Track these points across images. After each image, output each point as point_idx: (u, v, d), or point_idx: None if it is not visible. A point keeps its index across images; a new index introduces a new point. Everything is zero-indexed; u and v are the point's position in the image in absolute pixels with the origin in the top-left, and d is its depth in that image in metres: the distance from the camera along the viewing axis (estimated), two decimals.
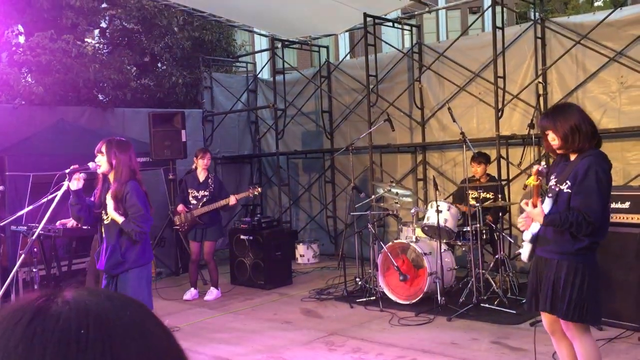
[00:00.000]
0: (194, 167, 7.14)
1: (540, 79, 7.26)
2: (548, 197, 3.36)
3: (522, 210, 3.51)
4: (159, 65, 10.77)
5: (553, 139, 3.36)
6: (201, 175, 7.02)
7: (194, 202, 6.94)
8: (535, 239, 3.48)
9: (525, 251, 3.54)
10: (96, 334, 0.53)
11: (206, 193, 6.92)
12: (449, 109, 6.28)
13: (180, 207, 6.91)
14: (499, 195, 6.52)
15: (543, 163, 3.44)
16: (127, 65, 9.30)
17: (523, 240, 3.59)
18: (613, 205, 4.65)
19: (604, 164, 3.28)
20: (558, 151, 3.41)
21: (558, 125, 3.33)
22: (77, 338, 0.52)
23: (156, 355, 0.56)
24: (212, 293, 6.99)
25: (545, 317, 3.53)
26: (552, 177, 3.45)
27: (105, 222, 4.10)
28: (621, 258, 4.80)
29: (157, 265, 8.18)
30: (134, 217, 4.00)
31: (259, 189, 7.18)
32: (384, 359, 4.65)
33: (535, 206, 3.29)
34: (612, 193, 3.43)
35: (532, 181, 3.29)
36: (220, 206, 6.83)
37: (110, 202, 4.03)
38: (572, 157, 3.40)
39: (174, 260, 8.60)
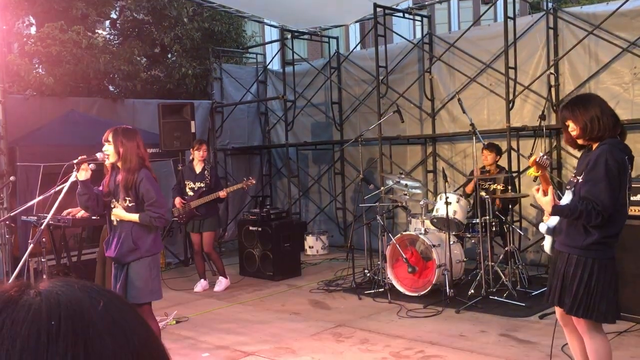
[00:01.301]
0: (191, 158, 7.14)
1: (552, 70, 7.19)
2: (567, 189, 3.31)
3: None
4: (169, 56, 10.77)
5: (573, 129, 3.31)
6: (198, 167, 7.02)
7: (190, 193, 6.94)
8: (552, 231, 3.44)
9: (547, 243, 3.51)
10: (67, 325, 0.52)
11: (202, 185, 6.93)
12: (459, 100, 6.23)
13: (177, 200, 6.91)
14: (509, 187, 6.47)
15: (541, 153, 3.35)
16: (137, 56, 9.29)
17: (541, 232, 3.55)
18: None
19: (617, 153, 3.19)
20: (578, 141, 3.35)
21: (577, 115, 3.27)
22: (48, 329, 0.51)
23: (132, 346, 0.54)
24: (221, 283, 7.01)
25: (557, 310, 3.51)
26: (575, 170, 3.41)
27: (115, 210, 4.11)
28: (633, 251, 4.75)
29: (165, 255, 8.22)
30: (149, 205, 4.02)
31: (253, 181, 7.14)
32: (391, 351, 4.64)
33: (545, 194, 3.24)
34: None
35: (532, 172, 3.24)
36: (212, 199, 6.83)
37: (120, 211, 4.06)
38: (594, 147, 3.34)
39: (182, 251, 8.63)
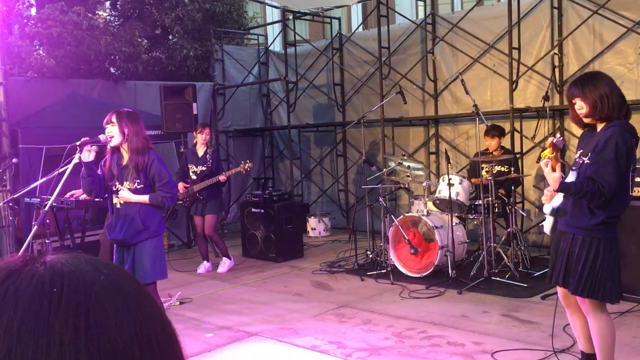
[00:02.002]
0: (194, 141, 7.14)
1: (556, 50, 7.13)
2: (572, 170, 3.30)
3: (544, 181, 3.44)
4: (170, 37, 10.69)
5: (581, 107, 3.27)
6: (200, 150, 7.01)
7: (193, 177, 6.95)
8: (556, 212, 3.43)
9: (547, 224, 3.50)
10: (69, 293, 0.52)
11: (204, 168, 6.93)
12: (462, 80, 6.19)
13: (180, 185, 6.92)
14: (513, 169, 6.46)
15: (559, 135, 3.35)
16: (138, 37, 9.24)
17: (545, 213, 3.55)
18: None
19: (627, 135, 3.18)
20: (585, 120, 3.32)
21: (587, 92, 3.24)
22: (50, 296, 0.52)
23: (136, 318, 0.54)
24: (225, 264, 7.05)
25: (560, 290, 3.52)
26: (578, 150, 3.39)
27: (121, 192, 4.12)
28: (636, 232, 4.76)
29: (169, 237, 8.25)
30: (161, 185, 4.05)
31: (250, 164, 7.13)
32: (394, 331, 4.67)
33: (554, 170, 3.23)
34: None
35: (547, 154, 3.22)
36: (213, 182, 6.84)
37: (127, 193, 4.06)
38: (599, 128, 3.32)
39: (185, 233, 8.66)
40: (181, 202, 7.07)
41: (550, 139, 3.27)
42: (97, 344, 0.50)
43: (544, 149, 3.27)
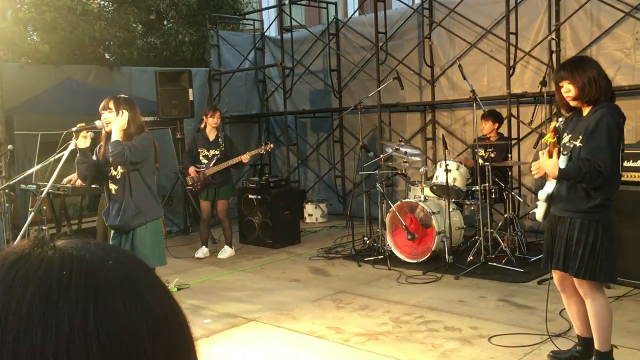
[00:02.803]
0: (202, 126, 7.10)
1: (553, 35, 7.10)
2: (563, 154, 3.31)
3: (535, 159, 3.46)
4: (165, 23, 10.62)
5: (568, 90, 3.32)
6: (211, 134, 6.99)
7: (204, 161, 6.92)
8: (550, 198, 3.45)
9: (540, 211, 3.52)
10: (79, 277, 0.52)
11: (217, 152, 6.91)
12: (460, 66, 6.17)
13: (191, 169, 6.90)
14: (509, 155, 6.46)
15: (561, 119, 3.37)
16: (132, 23, 9.17)
17: (537, 200, 3.56)
18: (625, 164, 4.59)
19: (616, 115, 3.25)
20: (572, 103, 3.35)
21: (576, 75, 3.28)
22: (59, 279, 0.51)
23: (145, 303, 0.54)
24: (226, 251, 7.05)
25: (556, 275, 3.54)
26: (566, 134, 3.40)
27: (117, 177, 4.09)
28: (631, 216, 4.77)
29: (166, 224, 8.24)
30: (129, 144, 3.93)
31: (271, 145, 7.15)
32: (391, 317, 4.70)
33: (551, 156, 3.24)
34: (626, 151, 3.38)
35: (548, 138, 3.23)
36: (234, 164, 6.83)
37: (116, 132, 3.95)
38: (585, 112, 3.35)
39: (182, 219, 8.65)
40: (191, 187, 7.02)
41: (553, 123, 3.28)
42: (107, 327, 0.50)
43: (541, 135, 3.29)
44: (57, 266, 0.52)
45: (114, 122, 3.97)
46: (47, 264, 0.52)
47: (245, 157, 6.80)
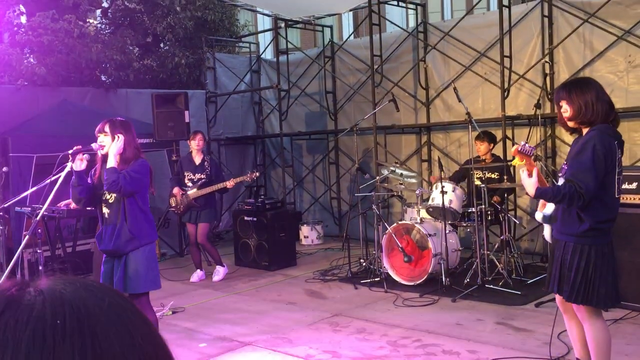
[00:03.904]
0: (190, 149, 7.12)
1: (546, 58, 7.18)
2: (560, 176, 3.31)
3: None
4: (162, 45, 10.68)
5: (565, 110, 3.31)
6: (197, 158, 6.98)
7: (189, 184, 6.91)
8: (548, 219, 3.45)
9: (547, 231, 3.52)
10: (73, 323, 0.51)
11: (202, 176, 6.90)
12: (455, 88, 6.21)
13: (176, 190, 6.88)
14: (505, 176, 6.48)
15: (523, 142, 3.34)
16: (129, 45, 9.22)
17: (537, 221, 3.56)
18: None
19: (606, 137, 3.19)
20: (569, 123, 3.35)
21: (573, 96, 3.28)
22: (54, 328, 0.50)
23: (136, 343, 0.53)
24: (219, 272, 7.01)
25: (557, 296, 3.53)
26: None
27: (110, 200, 4.07)
28: (627, 239, 4.78)
29: (160, 246, 8.19)
30: (125, 172, 3.92)
31: (257, 174, 7.15)
32: (389, 340, 4.66)
33: (530, 175, 3.22)
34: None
35: (517, 161, 3.23)
36: (218, 189, 6.81)
37: (112, 158, 3.94)
38: (584, 133, 3.35)
39: (177, 242, 8.61)
40: (174, 209, 7.01)
41: (514, 147, 3.25)
42: None
43: (513, 158, 3.28)
44: (49, 314, 0.51)
45: (110, 147, 3.96)
46: (38, 312, 0.51)
47: (230, 183, 6.81)
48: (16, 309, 0.51)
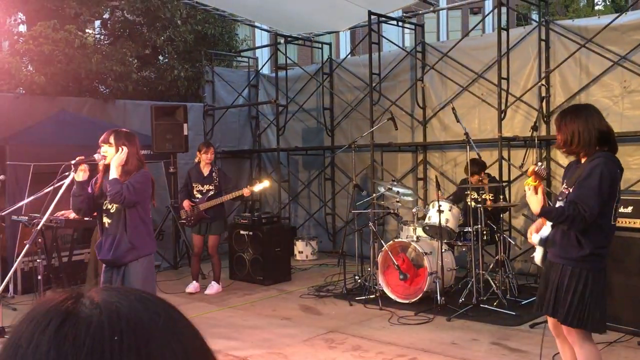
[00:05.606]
0: (196, 160, 7.13)
1: (543, 82, 7.27)
2: (558, 200, 3.36)
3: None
4: (161, 58, 10.73)
5: (558, 139, 3.40)
6: (205, 170, 7.01)
7: (198, 196, 6.93)
8: (545, 242, 3.48)
9: (538, 254, 3.54)
10: (130, 340, 0.52)
11: (211, 187, 6.92)
12: (453, 109, 6.27)
13: (186, 203, 6.89)
14: (500, 196, 6.52)
15: (540, 163, 3.41)
16: (128, 57, 9.25)
17: (533, 243, 3.59)
18: None
19: (612, 165, 3.26)
20: (561, 150, 3.44)
21: (563, 125, 3.35)
22: (111, 345, 0.51)
23: (189, 353, 0.55)
24: (213, 287, 6.99)
25: (549, 319, 3.55)
26: (564, 181, 3.46)
27: (111, 210, 4.07)
28: (622, 262, 4.82)
29: (156, 258, 8.15)
30: (130, 182, 3.94)
31: (267, 182, 7.15)
32: (384, 358, 4.66)
33: (536, 192, 3.26)
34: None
35: (530, 182, 3.28)
36: (234, 197, 6.84)
37: (114, 169, 3.96)
38: (583, 160, 3.40)
39: (172, 254, 8.58)
40: (184, 221, 7.00)
41: (531, 167, 3.30)
42: None
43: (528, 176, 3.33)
44: (107, 329, 0.52)
45: (113, 158, 3.98)
46: (96, 327, 0.52)
47: (246, 192, 6.82)
48: (74, 323, 0.52)
